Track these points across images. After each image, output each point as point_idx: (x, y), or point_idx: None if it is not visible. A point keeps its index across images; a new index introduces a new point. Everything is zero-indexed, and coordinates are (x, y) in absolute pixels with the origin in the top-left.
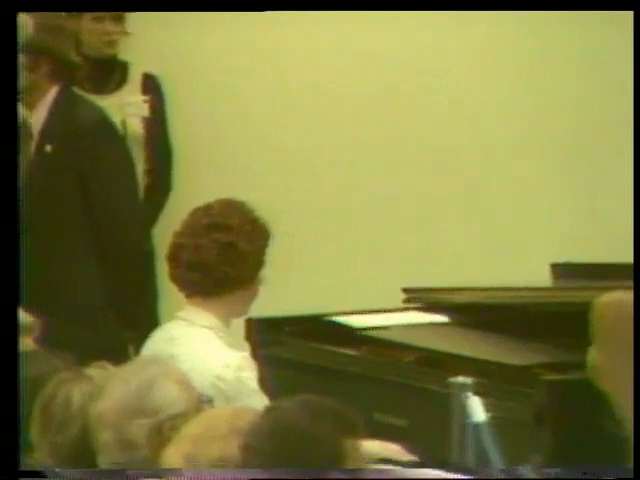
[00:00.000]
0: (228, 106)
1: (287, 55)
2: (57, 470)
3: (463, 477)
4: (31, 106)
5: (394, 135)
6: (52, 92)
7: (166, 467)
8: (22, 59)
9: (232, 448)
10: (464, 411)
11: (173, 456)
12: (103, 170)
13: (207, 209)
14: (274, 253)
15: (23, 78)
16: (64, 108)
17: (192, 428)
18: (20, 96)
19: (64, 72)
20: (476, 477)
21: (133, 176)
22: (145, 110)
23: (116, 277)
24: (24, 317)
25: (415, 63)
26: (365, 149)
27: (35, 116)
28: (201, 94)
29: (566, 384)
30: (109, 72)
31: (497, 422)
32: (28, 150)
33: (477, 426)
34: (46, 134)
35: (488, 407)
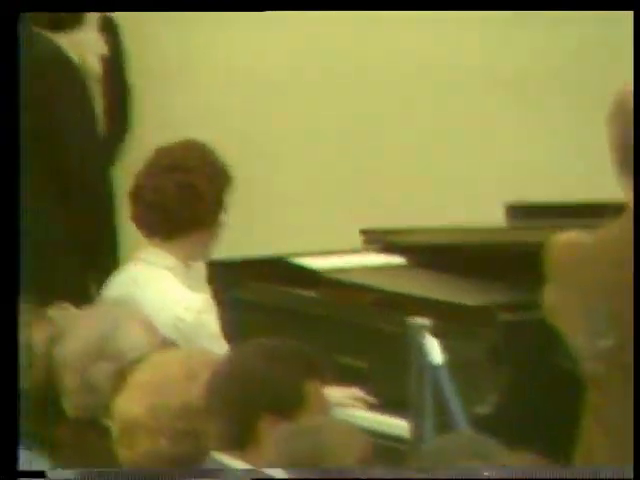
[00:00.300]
0: (189, 44)
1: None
2: (57, 470)
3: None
4: None
5: (358, 79)
6: None
7: (124, 416)
8: None
9: (191, 394)
10: (422, 352)
11: (135, 407)
12: (61, 107)
13: (168, 150)
14: (235, 196)
15: None
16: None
17: (146, 376)
18: None
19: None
20: (476, 477)
21: (92, 114)
22: (103, 48)
23: (77, 216)
24: None
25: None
26: (326, 89)
27: None
28: (159, 31)
29: (522, 323)
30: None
31: (454, 363)
32: None
33: (434, 367)
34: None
35: (445, 348)
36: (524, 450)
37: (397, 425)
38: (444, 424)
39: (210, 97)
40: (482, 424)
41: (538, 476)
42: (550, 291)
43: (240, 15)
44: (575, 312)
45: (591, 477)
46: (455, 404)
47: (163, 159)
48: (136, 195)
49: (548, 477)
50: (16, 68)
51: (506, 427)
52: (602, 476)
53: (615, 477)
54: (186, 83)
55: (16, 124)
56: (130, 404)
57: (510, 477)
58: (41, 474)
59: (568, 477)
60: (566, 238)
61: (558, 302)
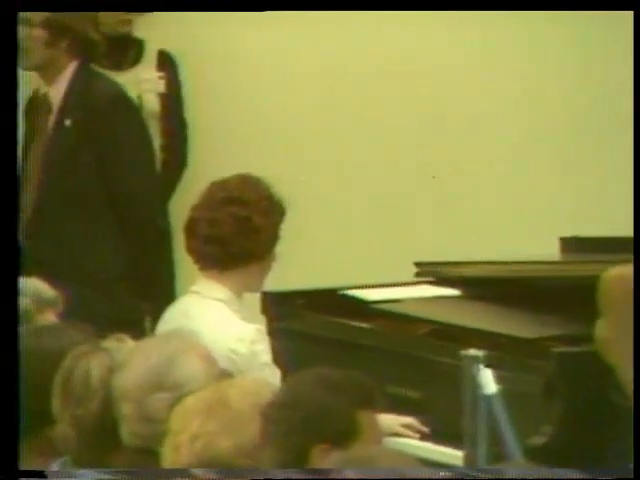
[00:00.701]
0: (243, 82)
1: (299, 37)
2: (57, 470)
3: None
4: (50, 81)
5: (407, 112)
6: (71, 68)
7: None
8: (42, 34)
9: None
10: (476, 383)
11: (187, 458)
12: (120, 145)
13: (224, 183)
14: (289, 227)
15: (42, 53)
16: (83, 83)
17: (187, 424)
18: (39, 71)
19: (82, 48)
20: (475, 477)
21: (150, 151)
22: (161, 86)
23: (133, 250)
24: (47, 292)
25: (418, 54)
26: (379, 126)
27: (54, 90)
28: (216, 70)
29: (576, 356)
30: (125, 49)
31: (508, 394)
32: (47, 124)
33: (488, 398)
34: (66, 109)
35: (499, 379)
36: None
37: (451, 455)
38: (498, 454)
39: (264, 131)
40: (536, 455)
41: (537, 476)
42: (602, 325)
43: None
44: (626, 346)
45: (591, 477)
46: (509, 435)
47: (219, 192)
48: (192, 228)
49: (548, 477)
50: (16, 68)
51: (560, 458)
52: (602, 476)
53: (615, 477)
54: (242, 118)
55: (16, 124)
56: (183, 457)
57: (510, 477)
58: (41, 474)
59: (568, 477)
60: (619, 272)
61: (610, 336)
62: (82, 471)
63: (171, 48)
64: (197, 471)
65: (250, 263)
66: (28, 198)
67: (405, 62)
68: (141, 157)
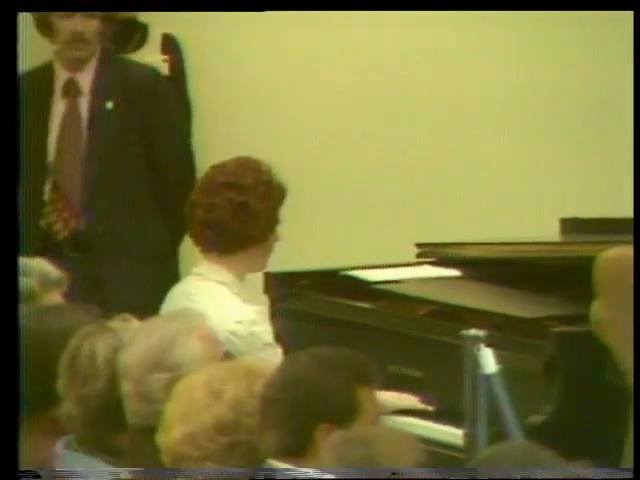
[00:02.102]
0: (246, 65)
1: (302, 24)
2: (57, 470)
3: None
4: (74, 67)
5: (406, 97)
6: (96, 54)
7: (171, 453)
8: (93, 25)
9: (218, 412)
10: (476, 363)
11: (172, 438)
12: (167, 122)
13: (222, 167)
14: (292, 209)
15: (80, 43)
16: (113, 67)
17: (175, 405)
18: (63, 60)
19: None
20: (475, 477)
21: (189, 129)
22: (165, 69)
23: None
24: (53, 272)
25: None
26: (380, 107)
27: (82, 76)
28: (219, 53)
29: (576, 336)
30: (130, 32)
31: (508, 373)
32: (79, 108)
33: (489, 377)
34: (101, 92)
35: (499, 359)
36: (579, 460)
37: (451, 433)
38: (498, 433)
39: (267, 114)
40: (536, 434)
41: (537, 476)
42: (598, 305)
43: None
44: (622, 326)
45: (591, 477)
46: (509, 413)
47: (217, 177)
48: (192, 212)
49: (548, 477)
50: (16, 68)
51: (560, 437)
52: (602, 476)
53: (615, 477)
54: (245, 101)
55: (16, 124)
56: (168, 435)
57: (509, 477)
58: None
59: (568, 477)
60: (614, 253)
61: (606, 317)
62: (82, 471)
63: (175, 32)
64: (197, 471)
65: (249, 247)
66: (71, 182)
67: (405, 54)
68: (184, 134)
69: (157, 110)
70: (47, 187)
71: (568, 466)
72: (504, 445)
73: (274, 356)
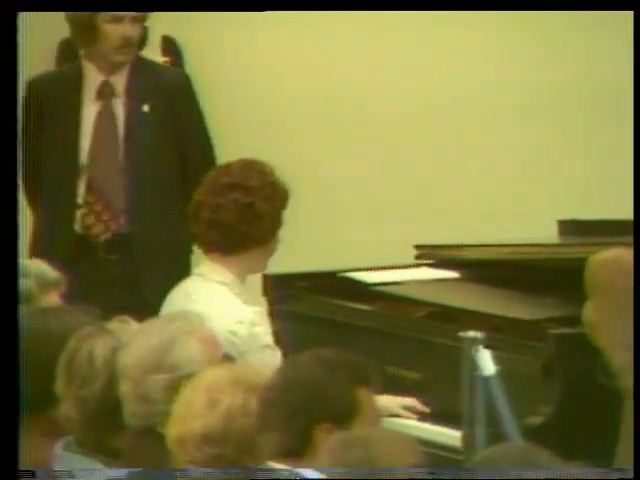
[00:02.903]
0: (246, 67)
1: (303, 25)
2: (56, 470)
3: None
4: (108, 70)
5: (405, 98)
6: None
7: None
8: (127, 28)
9: (211, 421)
10: (474, 364)
11: (170, 438)
12: (198, 123)
13: (228, 168)
14: (291, 211)
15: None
16: (145, 70)
17: (178, 407)
18: (97, 62)
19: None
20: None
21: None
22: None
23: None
24: (50, 273)
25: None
26: (379, 111)
27: (116, 78)
28: (219, 55)
29: (573, 337)
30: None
31: (506, 375)
32: (115, 110)
33: (487, 379)
34: (137, 94)
35: (498, 360)
36: (576, 460)
37: (450, 435)
38: (496, 435)
39: (267, 116)
40: (534, 435)
41: (537, 476)
42: (590, 307)
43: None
44: (613, 328)
45: (591, 477)
46: (507, 415)
47: (222, 177)
48: (196, 212)
49: (548, 477)
50: (16, 68)
51: (558, 438)
52: (602, 476)
53: (615, 477)
54: (245, 103)
55: (16, 123)
56: (168, 432)
57: (506, 477)
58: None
59: (568, 477)
60: (606, 256)
61: (597, 319)
62: (83, 471)
63: (174, 34)
64: (197, 471)
65: (253, 248)
66: (109, 183)
67: (403, 56)
68: (209, 133)
69: (190, 113)
70: (81, 189)
71: (566, 467)
72: (502, 446)
73: (273, 358)
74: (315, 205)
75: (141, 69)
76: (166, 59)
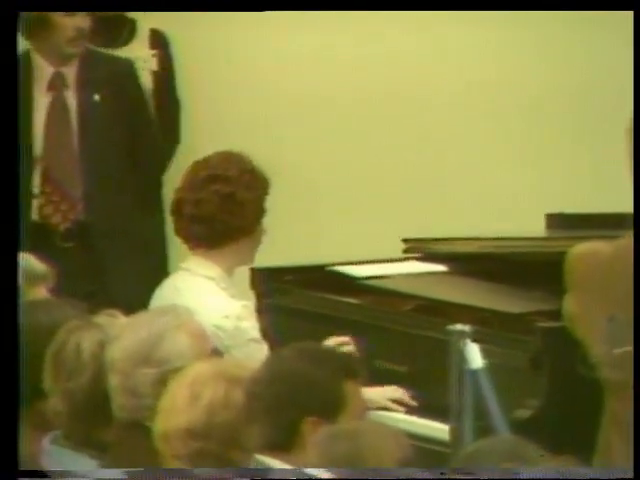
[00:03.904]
0: (234, 60)
1: (288, 19)
2: (56, 470)
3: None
4: (59, 62)
5: (395, 91)
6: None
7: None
8: (81, 23)
9: (194, 416)
10: (462, 358)
11: (155, 435)
12: (146, 112)
13: (206, 162)
14: (278, 204)
15: (70, 40)
16: (94, 61)
17: (163, 402)
18: (49, 55)
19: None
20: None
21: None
22: (154, 64)
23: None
24: (38, 266)
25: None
26: (367, 102)
27: (67, 69)
28: (207, 49)
29: (560, 331)
30: (118, 27)
31: (494, 368)
32: (66, 99)
33: (475, 372)
34: (88, 85)
35: (485, 353)
36: (563, 453)
37: (437, 428)
38: (484, 428)
39: (254, 108)
40: (522, 428)
41: (537, 476)
42: (570, 300)
43: (290, 29)
44: (593, 320)
45: (591, 477)
46: (495, 408)
47: (201, 171)
48: (179, 209)
49: (547, 477)
50: (16, 68)
51: (546, 431)
52: (602, 476)
53: (615, 477)
54: (228, 95)
55: (16, 123)
56: (155, 427)
57: (507, 477)
58: (41, 474)
59: (568, 477)
60: (585, 248)
61: (576, 311)
62: (83, 471)
63: (163, 27)
64: (198, 471)
65: (238, 239)
66: (65, 173)
67: (394, 49)
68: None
69: (137, 100)
70: (35, 180)
71: (554, 461)
72: (490, 440)
73: (259, 352)
74: (303, 199)
75: (90, 59)
76: (154, 52)
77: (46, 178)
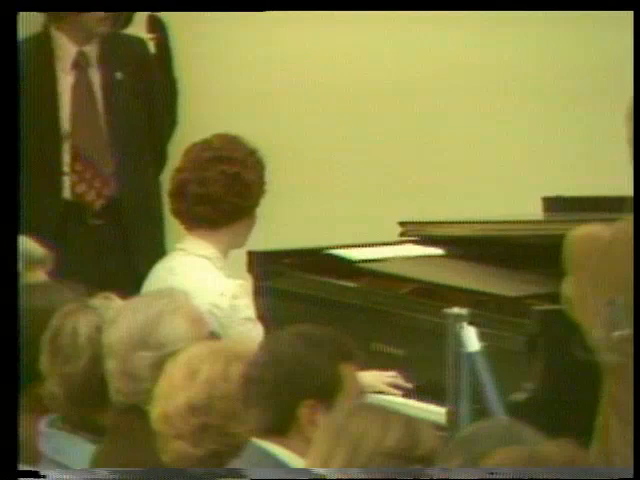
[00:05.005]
0: (231, 44)
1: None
2: (57, 470)
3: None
4: (81, 41)
5: (393, 76)
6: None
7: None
8: None
9: (193, 392)
10: (459, 341)
11: (154, 418)
12: (164, 90)
13: (208, 143)
14: (276, 187)
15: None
16: (115, 40)
17: (160, 386)
18: (74, 34)
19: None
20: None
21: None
22: (151, 47)
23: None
24: (37, 250)
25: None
26: (364, 86)
27: (88, 48)
28: (203, 32)
29: (557, 314)
30: (117, 11)
31: (491, 351)
32: (89, 77)
33: (471, 355)
34: (110, 63)
35: (482, 337)
36: (560, 436)
37: (434, 411)
38: (480, 411)
39: (251, 92)
40: (518, 411)
41: (536, 476)
42: (568, 283)
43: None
44: (592, 304)
45: (591, 477)
46: (491, 391)
47: (204, 152)
48: (180, 190)
49: (548, 477)
50: (16, 68)
51: (542, 414)
52: (602, 476)
53: (615, 477)
54: (226, 78)
55: (17, 122)
56: (153, 412)
57: (507, 477)
58: (41, 474)
59: (568, 477)
60: (584, 231)
61: (574, 294)
62: (82, 471)
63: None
64: (198, 471)
65: (239, 219)
66: (95, 150)
67: (391, 38)
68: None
69: (155, 79)
70: (65, 158)
71: (551, 443)
72: (485, 423)
73: (254, 331)
74: (300, 182)
75: (110, 39)
76: (152, 36)
77: (76, 156)
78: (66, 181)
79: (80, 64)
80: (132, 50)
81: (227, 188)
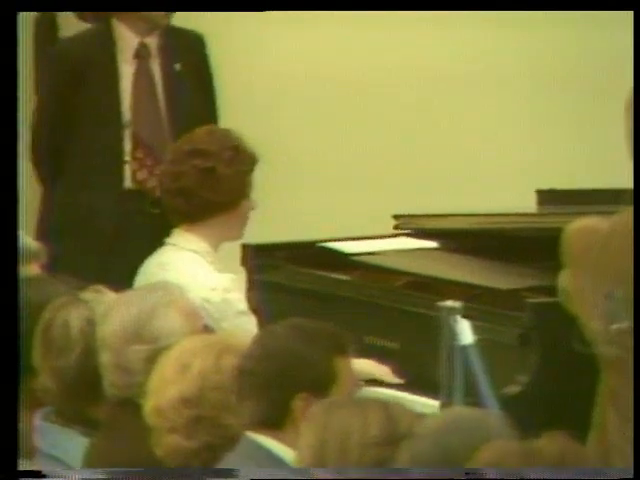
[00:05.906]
0: (227, 41)
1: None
2: (57, 470)
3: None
4: (145, 32)
5: (388, 69)
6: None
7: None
8: None
9: (185, 385)
10: (453, 334)
11: (147, 412)
12: (210, 83)
13: (190, 137)
14: (269, 180)
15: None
16: (173, 32)
17: (152, 380)
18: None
19: None
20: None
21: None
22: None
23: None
24: (31, 244)
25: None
26: (356, 77)
27: (150, 40)
28: (204, 33)
29: (551, 307)
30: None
31: (485, 344)
32: (149, 68)
33: (465, 348)
34: (170, 54)
35: (476, 330)
36: (555, 429)
37: (428, 404)
38: (474, 404)
39: (246, 86)
40: (512, 404)
41: (536, 476)
42: (566, 276)
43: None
44: (590, 297)
45: (591, 477)
46: (485, 384)
47: (184, 146)
48: (160, 183)
49: (547, 477)
50: (16, 68)
51: (535, 407)
52: (602, 476)
53: (615, 477)
54: (224, 77)
55: (16, 123)
56: (146, 406)
57: (507, 477)
58: (41, 474)
59: (568, 477)
60: (582, 224)
61: (573, 287)
62: (81, 471)
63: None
64: (195, 471)
65: (219, 214)
66: (156, 139)
67: (387, 32)
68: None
69: (206, 72)
70: (126, 146)
71: (543, 436)
72: (452, 413)
73: (247, 324)
74: (294, 175)
75: (169, 31)
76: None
77: (137, 143)
78: (127, 170)
79: (141, 55)
80: (190, 44)
81: (200, 183)
